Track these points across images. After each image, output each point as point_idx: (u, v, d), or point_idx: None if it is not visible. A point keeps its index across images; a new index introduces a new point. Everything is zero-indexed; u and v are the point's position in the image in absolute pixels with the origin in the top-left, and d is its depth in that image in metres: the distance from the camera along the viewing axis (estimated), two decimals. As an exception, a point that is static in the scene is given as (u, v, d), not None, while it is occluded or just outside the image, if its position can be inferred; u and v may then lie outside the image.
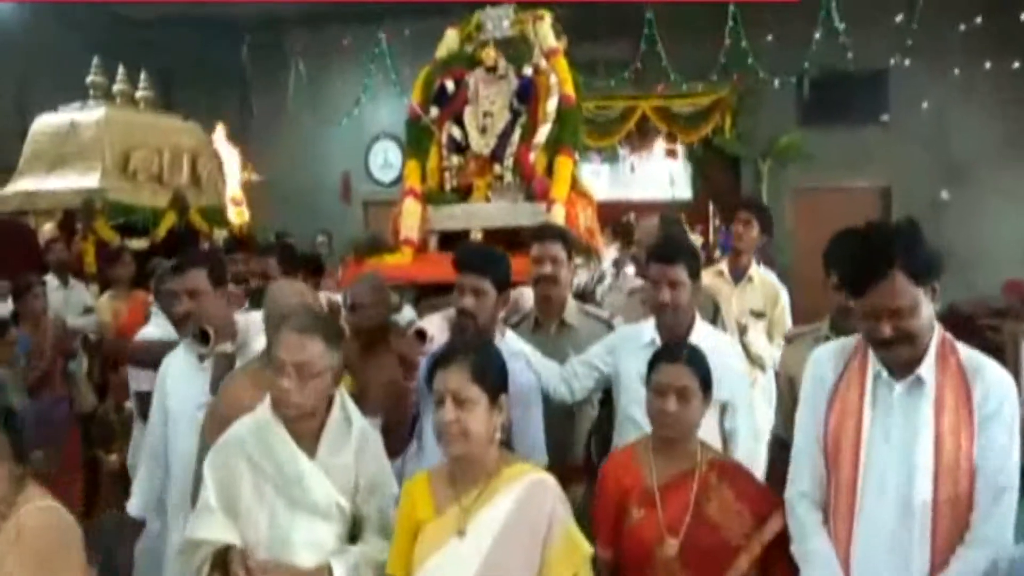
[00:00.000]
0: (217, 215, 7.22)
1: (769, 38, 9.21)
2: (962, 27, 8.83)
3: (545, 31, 4.63)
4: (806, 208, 9.31)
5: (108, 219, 6.34)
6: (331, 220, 9.96)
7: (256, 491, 2.14)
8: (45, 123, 7.00)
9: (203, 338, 2.90)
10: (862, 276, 1.97)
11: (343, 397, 2.27)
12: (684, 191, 10.30)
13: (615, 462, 2.37)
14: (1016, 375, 2.29)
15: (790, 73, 9.34)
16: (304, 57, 10.95)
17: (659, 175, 10.42)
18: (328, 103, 11.02)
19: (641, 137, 9.82)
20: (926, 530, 1.96)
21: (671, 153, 9.99)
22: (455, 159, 4.65)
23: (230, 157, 7.74)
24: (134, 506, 3.13)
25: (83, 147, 6.71)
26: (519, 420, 2.52)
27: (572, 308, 3.37)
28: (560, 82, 4.45)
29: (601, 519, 2.30)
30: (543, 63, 4.49)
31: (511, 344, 2.92)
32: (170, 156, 7.03)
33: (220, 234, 6.96)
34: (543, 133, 4.44)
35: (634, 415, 2.74)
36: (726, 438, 2.82)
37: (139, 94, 7.35)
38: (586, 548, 1.98)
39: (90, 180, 6.60)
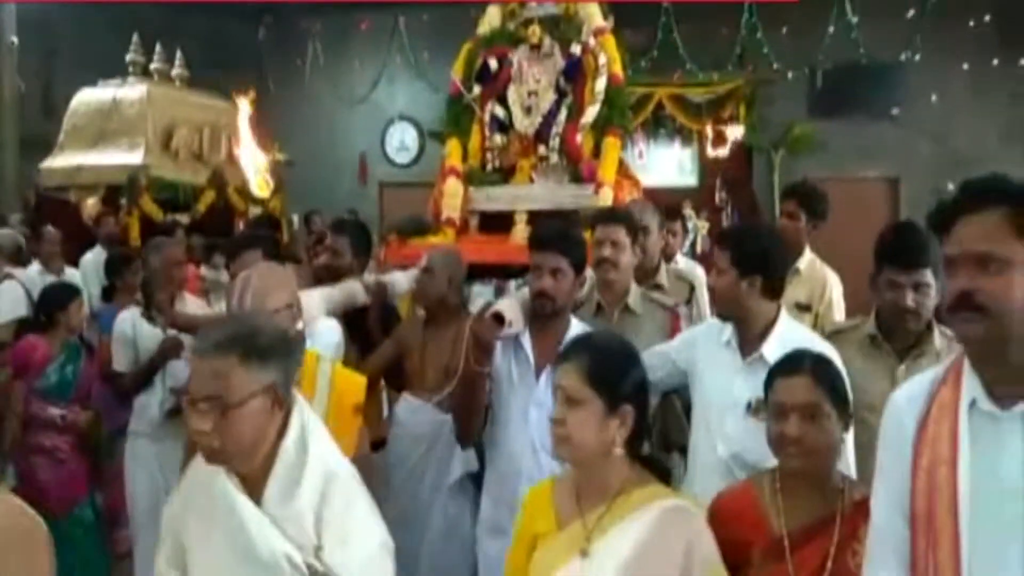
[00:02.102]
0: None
1: (784, 30, 8.89)
2: (971, 23, 8.58)
3: (592, 9, 4.24)
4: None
5: (152, 195, 6.12)
6: (348, 201, 9.66)
7: (204, 543, 1.68)
8: (86, 98, 6.73)
9: None
10: (956, 204, 1.37)
11: (303, 420, 1.71)
12: (691, 179, 9.95)
13: (728, 503, 1.85)
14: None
15: (803, 65, 9.06)
16: (321, 39, 10.51)
17: (667, 162, 10.05)
18: (345, 85, 10.60)
19: (656, 124, 9.43)
20: None
21: (689, 139, 9.60)
22: (498, 138, 4.24)
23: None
24: None
25: (126, 123, 6.47)
26: None
27: (635, 294, 3.03)
28: (609, 61, 4.06)
29: None
30: (591, 41, 4.09)
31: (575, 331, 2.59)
32: (209, 134, 6.81)
33: (255, 211, 6.69)
34: (591, 113, 4.05)
35: (703, 422, 2.39)
36: None
37: (175, 72, 7.10)
38: None
39: (134, 156, 6.37)
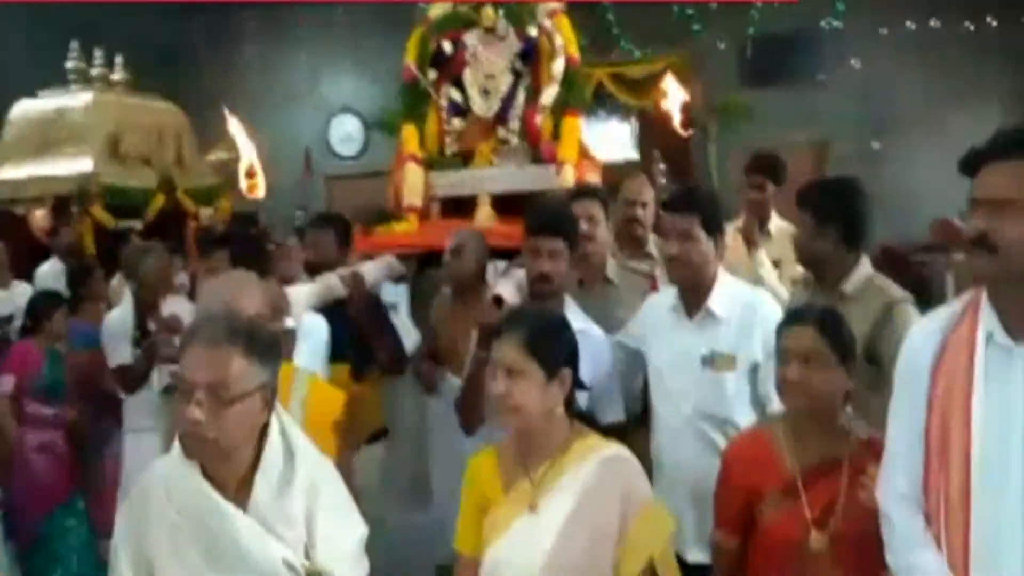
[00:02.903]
0: (202, 195, 6.82)
1: (713, 6, 8.93)
2: None
3: (546, -10, 4.13)
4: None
5: (103, 202, 5.97)
6: (294, 196, 9.32)
7: (177, 559, 1.53)
8: (27, 109, 6.49)
9: None
10: (982, 152, 1.46)
11: (282, 422, 1.65)
12: (633, 154, 9.94)
13: (744, 447, 1.94)
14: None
15: (733, 37, 9.10)
16: (258, 34, 10.14)
17: (609, 139, 10.02)
18: (285, 80, 10.24)
19: (596, 103, 9.38)
20: None
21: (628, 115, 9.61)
22: (456, 122, 4.14)
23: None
24: None
25: (72, 132, 6.25)
26: (596, 381, 2.22)
27: (612, 265, 3.06)
28: (565, 43, 3.98)
29: (726, 506, 1.92)
30: (547, 23, 4.00)
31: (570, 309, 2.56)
32: (157, 138, 6.65)
33: (206, 213, 6.56)
34: (549, 95, 4.00)
35: (661, 387, 2.41)
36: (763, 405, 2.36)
37: (115, 77, 6.86)
38: (669, 523, 1.75)
39: (83, 164, 6.13)
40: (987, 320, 1.47)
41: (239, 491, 1.55)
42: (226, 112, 4.68)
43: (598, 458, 1.73)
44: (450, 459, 2.92)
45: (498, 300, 2.41)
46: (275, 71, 10.25)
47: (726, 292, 2.37)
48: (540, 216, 2.57)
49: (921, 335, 1.60)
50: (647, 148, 9.75)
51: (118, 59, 6.87)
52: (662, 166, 9.61)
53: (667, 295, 2.53)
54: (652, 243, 3.45)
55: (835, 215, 2.40)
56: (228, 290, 2.03)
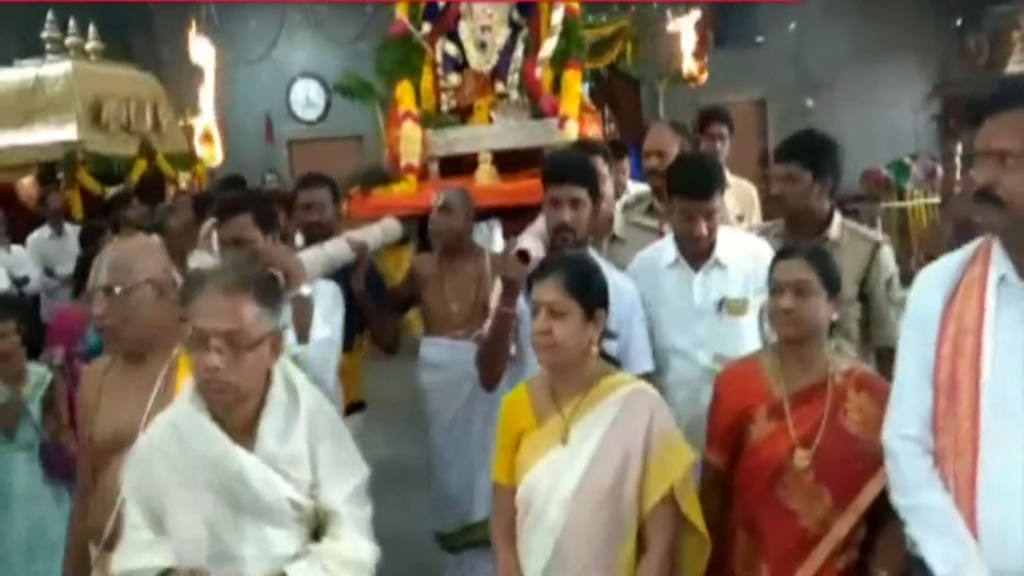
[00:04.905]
0: (179, 160, 6.57)
1: (661, -27, 8.79)
2: None
3: (541, -59, 3.75)
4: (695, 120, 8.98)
5: (87, 169, 5.70)
6: (256, 161, 8.83)
7: (188, 502, 1.48)
8: (4, 78, 6.12)
9: None
10: (984, 103, 1.38)
11: (284, 368, 1.60)
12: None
13: (736, 372, 1.93)
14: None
15: (680, 4, 8.87)
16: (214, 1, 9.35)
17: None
18: (242, 45, 9.51)
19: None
20: None
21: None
22: (453, 78, 3.75)
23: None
24: None
25: (54, 101, 5.94)
26: (623, 329, 2.10)
27: (620, 222, 2.85)
28: (563, -8, 3.61)
29: (716, 426, 1.91)
30: (545, -28, 3.62)
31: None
32: (135, 106, 6.34)
33: (185, 177, 6.33)
34: (549, 47, 3.68)
35: (672, 343, 2.24)
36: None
37: (89, 46, 6.47)
38: (688, 455, 1.72)
39: (67, 133, 5.86)
40: (1000, 264, 1.41)
41: (245, 434, 1.50)
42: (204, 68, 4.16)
43: (624, 393, 1.74)
44: (446, 432, 2.77)
45: (523, 255, 2.17)
46: (231, 37, 9.50)
47: (728, 242, 2.27)
48: (561, 166, 2.34)
49: (931, 279, 1.52)
50: (599, 105, 9.53)
51: (91, 29, 6.57)
52: (611, 126, 9.54)
53: (660, 251, 2.34)
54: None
55: (828, 168, 2.36)
56: (120, 256, 1.82)
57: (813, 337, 1.80)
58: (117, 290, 1.71)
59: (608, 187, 2.70)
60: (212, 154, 6.47)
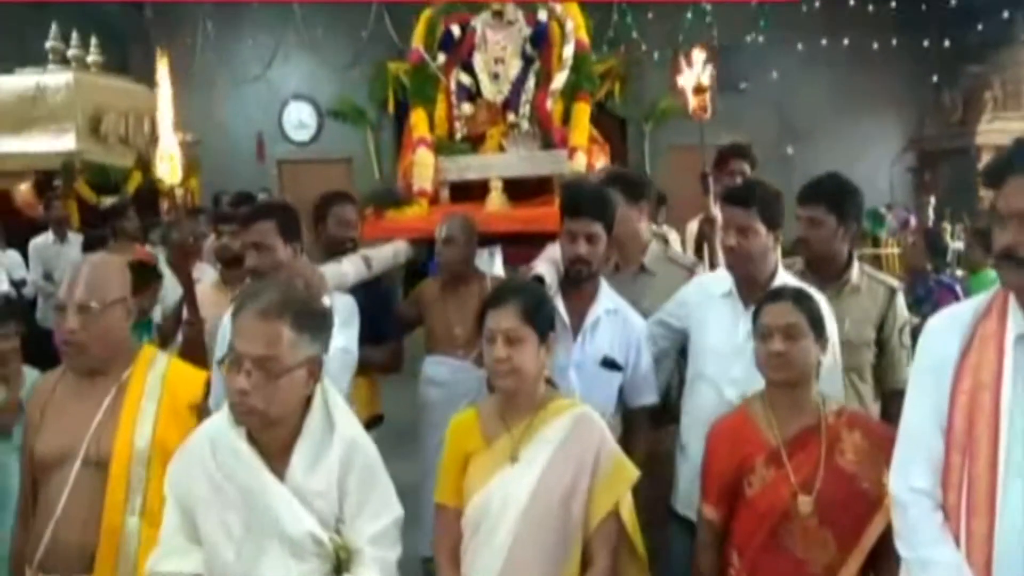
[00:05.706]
0: None
1: (649, 15, 8.91)
2: (804, 8, 8.91)
3: (554, -24, 3.84)
4: (678, 162, 9.09)
5: (85, 179, 5.65)
6: (246, 180, 8.64)
7: (219, 518, 1.46)
8: (4, 86, 6.04)
9: None
10: (1006, 164, 1.36)
11: (326, 395, 1.54)
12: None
13: (726, 427, 1.90)
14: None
15: (667, 46, 8.93)
16: (211, 18, 9.32)
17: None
18: (239, 64, 9.48)
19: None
20: None
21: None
22: (466, 107, 3.79)
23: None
24: None
25: (54, 110, 5.91)
26: (630, 360, 2.17)
27: (653, 253, 2.74)
28: (575, 27, 3.68)
29: (712, 482, 1.87)
30: (557, 8, 3.69)
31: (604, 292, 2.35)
32: (134, 118, 6.31)
33: (179, 191, 5.90)
34: (560, 80, 3.73)
35: (705, 371, 2.20)
36: None
37: (90, 59, 6.43)
38: (632, 472, 1.78)
39: (65, 142, 5.81)
40: (1017, 321, 1.39)
41: (280, 458, 1.46)
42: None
43: (571, 415, 1.78)
44: (434, 452, 2.69)
45: (539, 280, 2.20)
46: (227, 56, 9.50)
47: (786, 281, 2.19)
48: (578, 199, 2.30)
49: (945, 327, 1.49)
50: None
51: (93, 41, 6.53)
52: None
53: (717, 282, 2.30)
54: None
55: (852, 213, 2.34)
56: (92, 273, 1.77)
57: (804, 380, 1.79)
58: (93, 306, 1.68)
59: (644, 221, 2.69)
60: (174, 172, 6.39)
